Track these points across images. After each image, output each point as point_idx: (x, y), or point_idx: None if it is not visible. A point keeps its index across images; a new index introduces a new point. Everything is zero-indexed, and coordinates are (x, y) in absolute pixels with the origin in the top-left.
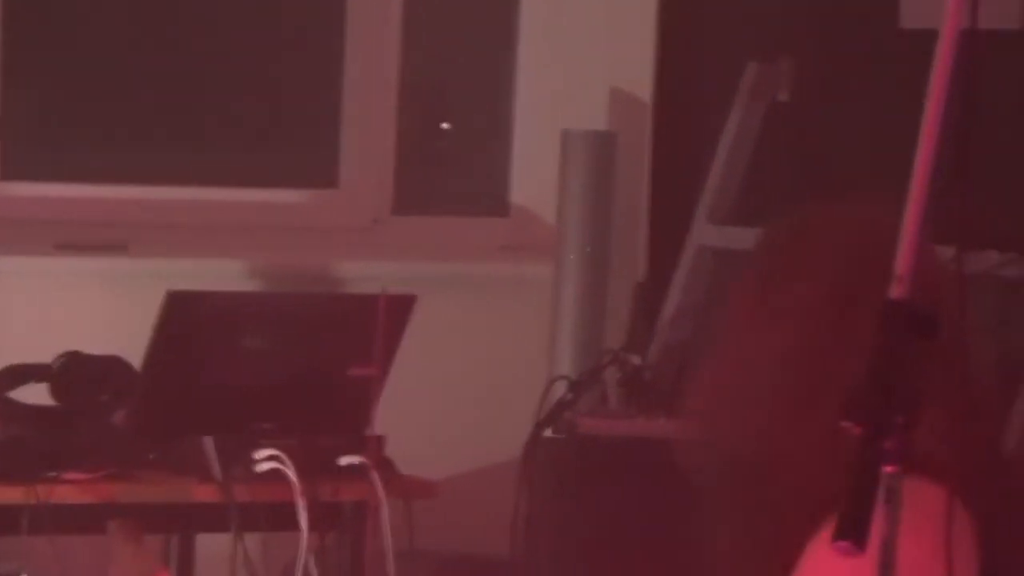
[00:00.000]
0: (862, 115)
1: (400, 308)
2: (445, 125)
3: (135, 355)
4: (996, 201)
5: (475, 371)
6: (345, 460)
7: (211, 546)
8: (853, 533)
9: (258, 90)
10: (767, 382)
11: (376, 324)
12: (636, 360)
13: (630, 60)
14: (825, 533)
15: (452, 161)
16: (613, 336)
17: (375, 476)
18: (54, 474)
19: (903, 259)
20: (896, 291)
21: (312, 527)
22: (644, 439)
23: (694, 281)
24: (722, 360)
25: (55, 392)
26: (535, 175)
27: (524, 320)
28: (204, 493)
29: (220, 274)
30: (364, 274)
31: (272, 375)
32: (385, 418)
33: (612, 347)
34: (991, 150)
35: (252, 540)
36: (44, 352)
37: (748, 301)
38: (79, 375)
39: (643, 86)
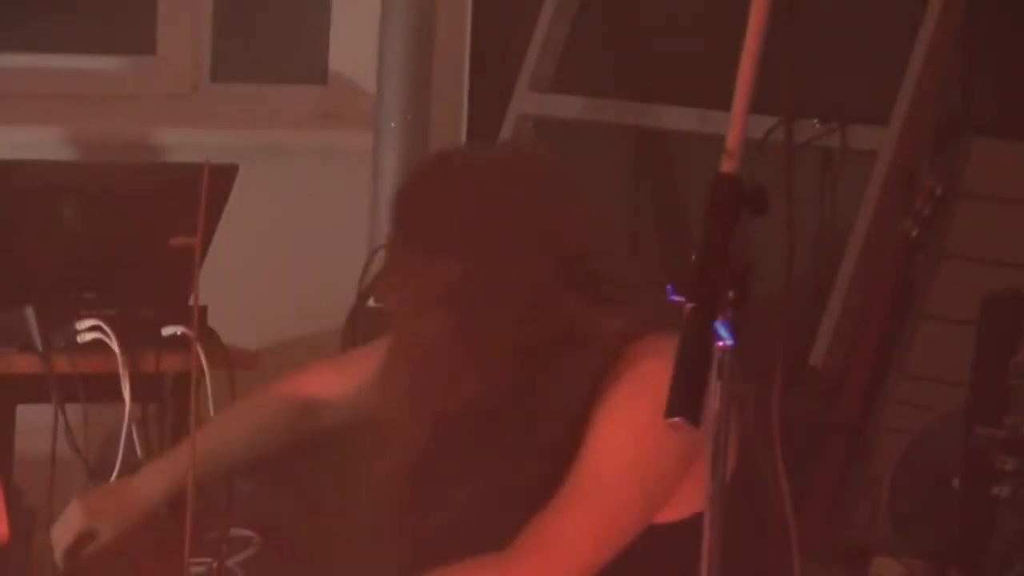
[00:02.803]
0: None
1: (222, 178)
2: None
3: None
4: (817, 70)
5: (296, 241)
6: (168, 330)
7: (32, 417)
8: (686, 409)
9: None
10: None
11: (198, 194)
12: None
13: None
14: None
15: (270, 27)
16: None
17: (198, 347)
18: None
19: (732, 135)
20: (726, 166)
21: (134, 398)
22: None
23: None
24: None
25: None
26: (354, 42)
27: (344, 189)
28: (24, 363)
29: (36, 143)
30: (182, 142)
31: (93, 245)
32: (207, 288)
33: None
34: (813, 20)
35: (73, 411)
36: None
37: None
38: None
39: None
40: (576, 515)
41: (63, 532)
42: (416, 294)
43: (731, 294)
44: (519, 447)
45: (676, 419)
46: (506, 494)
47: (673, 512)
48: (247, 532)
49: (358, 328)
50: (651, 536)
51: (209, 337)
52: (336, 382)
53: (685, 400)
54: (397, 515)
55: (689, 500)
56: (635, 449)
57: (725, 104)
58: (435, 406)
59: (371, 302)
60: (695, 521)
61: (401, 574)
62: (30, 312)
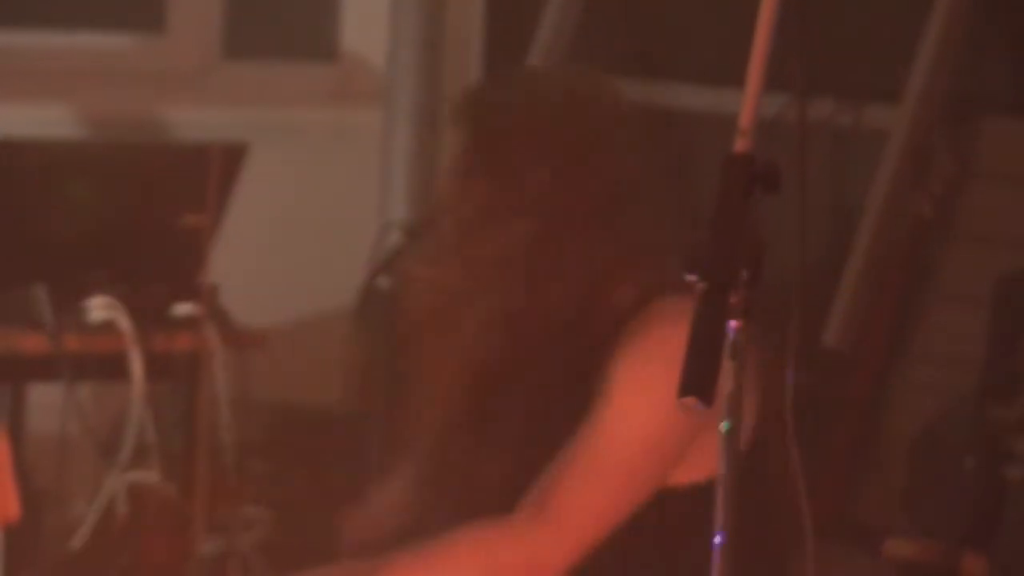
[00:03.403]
0: None
1: (233, 157)
2: None
3: None
4: (830, 48)
5: (307, 219)
6: (179, 310)
7: (43, 396)
8: (699, 388)
9: None
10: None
11: (208, 173)
12: None
13: None
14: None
15: (281, 4)
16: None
17: (208, 326)
18: None
19: (745, 114)
20: (739, 145)
21: (145, 377)
22: None
23: None
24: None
25: None
26: (365, 19)
27: (355, 167)
28: (35, 343)
29: (46, 121)
30: (193, 120)
31: (103, 224)
32: (218, 267)
33: None
34: None
35: (84, 390)
36: None
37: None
38: None
39: None
40: (586, 490)
41: None
42: (498, 203)
43: (744, 273)
44: (558, 373)
45: (689, 399)
46: (544, 422)
47: (689, 474)
48: (258, 511)
49: (368, 306)
50: (668, 499)
51: (219, 316)
52: None
53: (698, 379)
54: (452, 450)
55: (706, 463)
56: (650, 423)
57: (739, 82)
58: (511, 312)
59: (382, 280)
60: (711, 486)
61: (454, 511)
62: (40, 290)
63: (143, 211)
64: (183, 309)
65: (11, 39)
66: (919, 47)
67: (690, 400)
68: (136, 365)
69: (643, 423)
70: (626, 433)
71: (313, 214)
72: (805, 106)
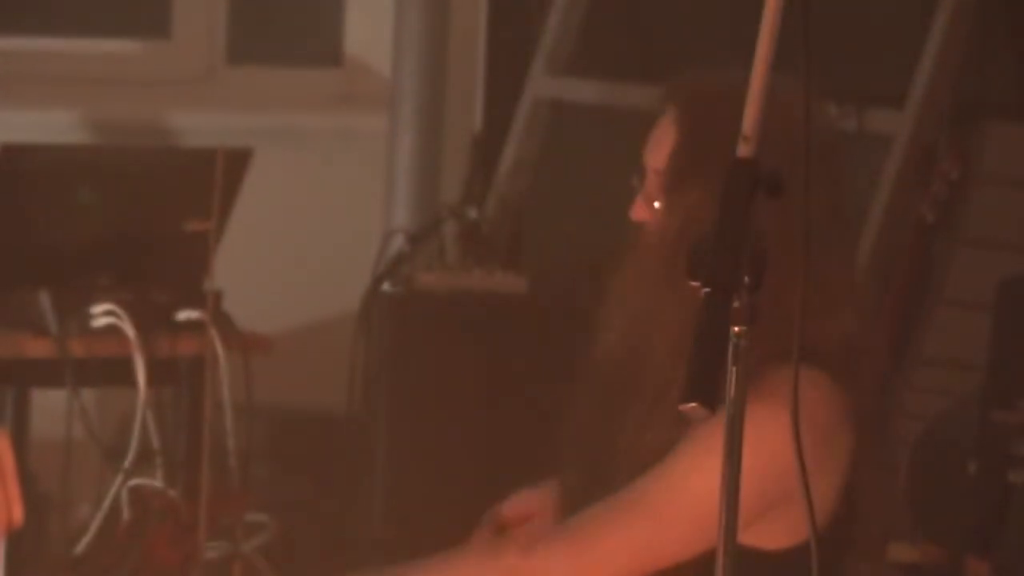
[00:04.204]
0: None
1: (237, 162)
2: None
3: None
4: (833, 52)
5: (311, 224)
6: (183, 315)
7: (47, 401)
8: (702, 394)
9: None
10: None
11: (212, 178)
12: (473, 214)
13: None
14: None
15: (286, 9)
16: (449, 190)
17: (213, 331)
18: None
19: (749, 120)
20: (742, 150)
21: (149, 382)
22: (481, 292)
23: (531, 133)
24: None
25: None
26: (369, 25)
27: (359, 172)
28: (39, 348)
29: (51, 126)
30: (198, 125)
31: (108, 229)
32: (222, 272)
33: (449, 201)
34: (829, 1)
35: (88, 395)
36: None
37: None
38: None
39: None
40: (621, 524)
41: None
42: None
43: (747, 279)
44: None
45: (692, 404)
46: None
47: (775, 540)
48: (261, 516)
49: (372, 312)
50: (752, 564)
51: (224, 321)
52: None
53: (701, 385)
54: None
55: (793, 529)
56: (707, 484)
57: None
58: None
59: (386, 286)
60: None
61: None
62: (44, 296)
63: (148, 216)
64: (187, 314)
65: (19, 44)
66: (922, 52)
67: (693, 406)
68: (140, 370)
69: (705, 483)
70: (686, 486)
71: (317, 219)
72: (811, 111)
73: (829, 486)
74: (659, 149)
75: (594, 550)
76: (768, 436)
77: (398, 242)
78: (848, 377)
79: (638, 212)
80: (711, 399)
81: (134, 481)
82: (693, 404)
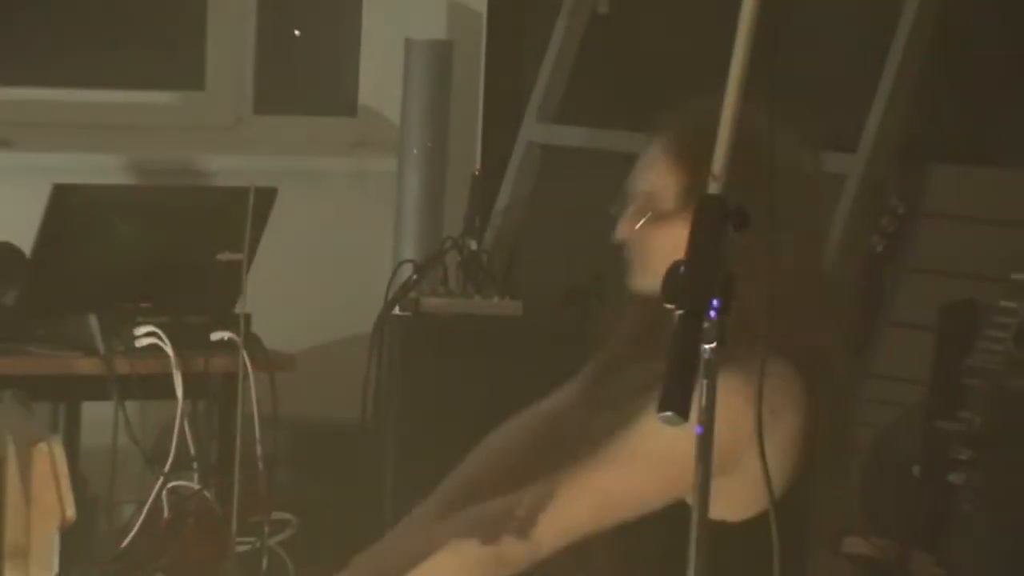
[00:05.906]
0: (676, 25)
1: (264, 200)
2: (297, 32)
3: (23, 242)
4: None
5: (330, 255)
6: (216, 336)
7: (95, 413)
8: (676, 404)
9: (130, 3)
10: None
11: (243, 214)
12: (473, 245)
13: None
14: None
15: (307, 65)
16: (452, 224)
17: (242, 350)
18: None
19: (717, 160)
20: (712, 188)
21: (186, 395)
22: (481, 316)
23: (524, 174)
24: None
25: None
26: (381, 79)
27: (372, 209)
28: (88, 366)
29: (99, 168)
30: (228, 168)
31: (150, 259)
32: (250, 298)
33: (451, 234)
34: (807, 47)
35: (132, 407)
36: None
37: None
38: None
39: None
40: (582, 473)
41: None
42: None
43: (715, 301)
44: None
45: (668, 413)
46: None
47: (736, 513)
48: (286, 515)
49: (384, 333)
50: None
51: (252, 341)
52: None
53: (676, 396)
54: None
55: (753, 500)
56: (665, 440)
57: None
58: None
59: (396, 310)
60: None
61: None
62: (93, 320)
63: (185, 247)
64: (220, 335)
65: (71, 95)
66: (872, 103)
67: (667, 414)
68: (178, 385)
69: (673, 445)
70: (653, 446)
71: (335, 251)
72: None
73: (776, 462)
74: (647, 173)
75: (556, 499)
76: (723, 403)
77: (407, 271)
78: (810, 377)
79: (621, 232)
80: (685, 408)
81: (173, 483)
82: (669, 413)
